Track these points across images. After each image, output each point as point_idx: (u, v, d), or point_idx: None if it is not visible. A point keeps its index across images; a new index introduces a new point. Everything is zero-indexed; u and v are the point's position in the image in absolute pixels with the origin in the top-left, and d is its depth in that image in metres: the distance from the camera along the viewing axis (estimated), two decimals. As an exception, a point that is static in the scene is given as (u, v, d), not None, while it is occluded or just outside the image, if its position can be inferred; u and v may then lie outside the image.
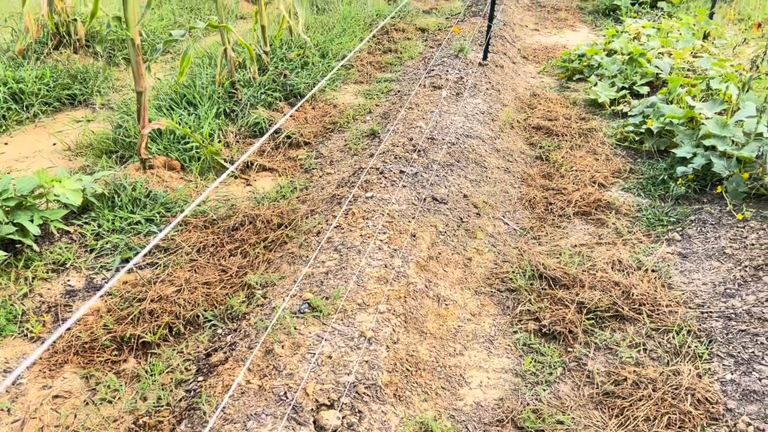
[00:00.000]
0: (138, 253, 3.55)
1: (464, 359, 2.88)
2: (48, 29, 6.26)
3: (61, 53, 6.23)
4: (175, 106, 5.02)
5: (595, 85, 6.00)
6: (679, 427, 2.47)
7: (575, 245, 3.75)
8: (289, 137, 4.96)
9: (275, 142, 4.90)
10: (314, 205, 3.96)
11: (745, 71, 4.14)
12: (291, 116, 5.30)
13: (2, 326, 2.93)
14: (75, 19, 6.41)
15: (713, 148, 4.19)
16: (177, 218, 2.93)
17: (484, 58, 6.40)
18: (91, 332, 2.92)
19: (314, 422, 2.32)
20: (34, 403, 2.57)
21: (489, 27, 6.36)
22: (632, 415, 2.54)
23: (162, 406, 2.55)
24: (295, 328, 2.73)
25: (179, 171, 4.38)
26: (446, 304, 3.15)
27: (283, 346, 2.64)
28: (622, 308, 3.14)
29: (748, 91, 4.08)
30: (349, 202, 3.73)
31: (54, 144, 4.88)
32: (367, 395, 2.47)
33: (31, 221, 3.39)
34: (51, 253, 3.44)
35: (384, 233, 3.45)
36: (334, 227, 3.52)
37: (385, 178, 4.05)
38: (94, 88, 5.75)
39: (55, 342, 2.88)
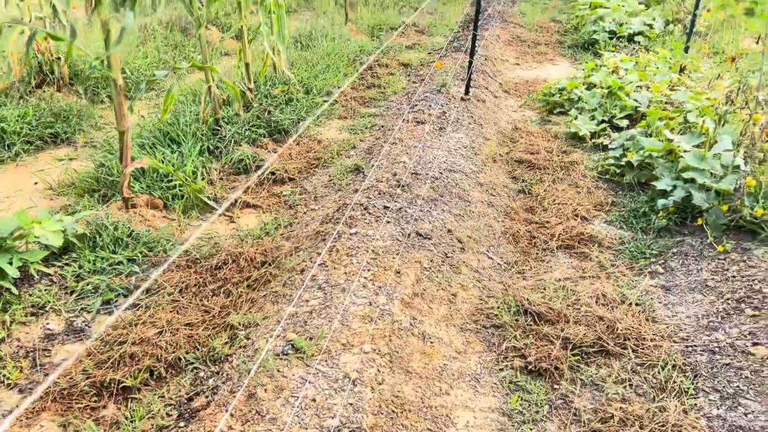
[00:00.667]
0: (119, 294, 3.50)
1: (450, 399, 2.85)
2: (32, 68, 6.27)
3: (44, 91, 6.23)
4: (158, 144, 5.01)
5: (576, 118, 6.09)
6: (667, 466, 2.45)
7: (559, 279, 3.75)
8: (273, 173, 4.96)
9: (259, 178, 4.90)
10: (298, 242, 3.95)
11: (721, 105, 4.22)
12: (275, 152, 5.31)
13: (-22, 373, 2.87)
14: (59, 58, 6.43)
15: (692, 180, 4.25)
16: (165, 263, 2.90)
17: (466, 92, 6.49)
18: (69, 378, 2.86)
19: (298, 469, 2.28)
20: (10, 454, 2.50)
21: (470, 62, 6.46)
22: (620, 454, 2.52)
23: (142, 454, 2.49)
24: (278, 371, 2.70)
25: (162, 209, 4.35)
26: (431, 342, 3.13)
27: (266, 390, 2.60)
28: (607, 343, 3.14)
29: (724, 124, 4.16)
30: (334, 239, 3.73)
31: (35, 183, 4.85)
32: (352, 439, 2.43)
33: (10, 263, 3.35)
34: (30, 296, 3.39)
35: (368, 270, 3.44)
36: (318, 265, 3.50)
37: (370, 213, 4.06)
38: (76, 127, 5.73)
39: (33, 389, 2.82)
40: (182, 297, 3.47)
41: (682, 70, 7.00)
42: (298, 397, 2.56)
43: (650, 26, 9.27)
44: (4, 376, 2.88)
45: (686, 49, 7.54)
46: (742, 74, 4.63)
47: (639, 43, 8.92)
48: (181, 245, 3.97)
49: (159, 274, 3.18)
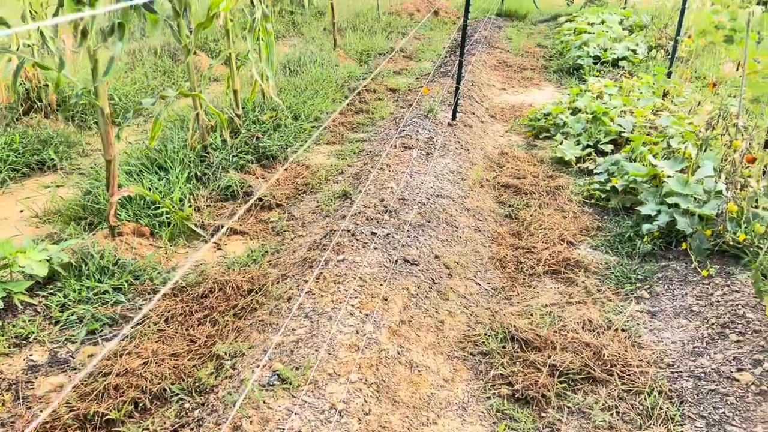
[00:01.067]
0: (105, 324, 3.48)
1: (438, 428, 2.84)
2: (19, 95, 6.27)
3: (31, 118, 6.23)
4: (145, 171, 5.01)
5: (561, 143, 6.16)
6: (654, 495, 2.45)
7: (546, 305, 3.77)
8: (261, 199, 4.97)
9: (247, 204, 4.90)
10: (285, 270, 3.95)
11: (703, 131, 4.29)
12: (263, 178, 5.32)
13: (-41, 407, 2.83)
14: (46, 85, 6.44)
15: (676, 205, 4.30)
16: (154, 296, 2.89)
17: (453, 118, 6.55)
18: (53, 411, 2.82)
19: (283, 503, 2.25)
20: (-10, 490, 2.46)
21: (457, 88, 6.53)
22: (607, 483, 2.51)
23: (125, 489, 2.46)
24: (264, 402, 2.68)
25: (149, 237, 4.34)
26: (419, 371, 3.12)
27: (251, 422, 2.58)
28: (594, 370, 3.14)
29: (705, 150, 4.22)
30: (321, 266, 3.73)
31: (21, 211, 4.82)
32: (338, 471, 2.41)
33: (-6, 294, 3.32)
34: (13, 326, 3.36)
35: (355, 298, 3.44)
36: (305, 293, 3.50)
37: (357, 240, 4.06)
38: (63, 154, 5.72)
39: (15, 423, 2.78)
40: (168, 326, 3.45)
41: (665, 94, 7.12)
42: (284, 429, 2.54)
43: (634, 51, 9.43)
44: (-15, 409, 2.85)
45: (669, 74, 7.67)
46: (722, 100, 4.71)
47: (623, 68, 9.06)
48: (168, 273, 3.95)
49: (147, 310, 3.16)
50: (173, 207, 4.41)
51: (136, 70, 8.13)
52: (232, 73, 5.85)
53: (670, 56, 7.87)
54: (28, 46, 6.26)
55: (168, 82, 7.86)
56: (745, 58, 4.08)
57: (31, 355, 3.22)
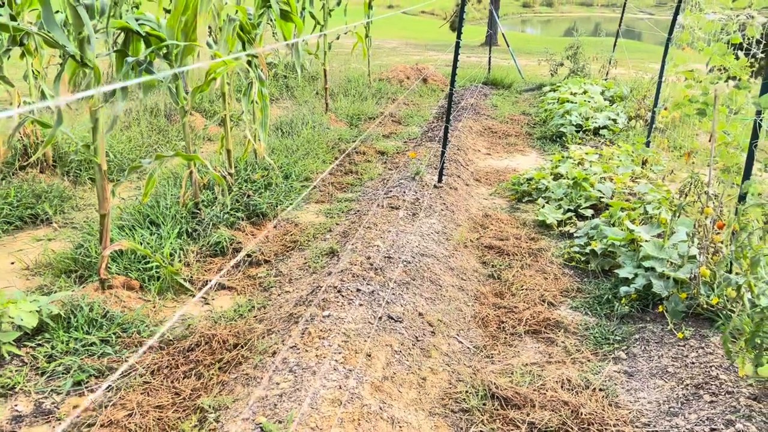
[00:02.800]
0: (91, 375, 3.51)
1: (417, 484, 2.87)
2: (16, 150, 6.43)
3: (27, 173, 6.36)
4: (138, 226, 5.12)
5: (543, 207, 6.36)
6: None
7: (526, 364, 3.85)
8: (249, 256, 5.08)
9: (235, 260, 5.01)
10: (271, 325, 4.02)
11: (676, 198, 4.50)
12: (252, 234, 5.45)
13: (-59, 456, 2.83)
14: (43, 141, 6.61)
15: (652, 269, 4.45)
16: (141, 348, 2.97)
17: (439, 180, 6.76)
18: (35, 461, 2.84)
19: None
20: None
21: (443, 152, 6.77)
22: None
23: None
24: (246, 454, 2.72)
25: (138, 290, 4.41)
26: (400, 426, 3.17)
27: (233, 473, 2.61)
28: (572, 428, 3.21)
29: (679, 216, 4.41)
30: (306, 321, 3.81)
31: (12, 263, 4.89)
32: None
33: (-18, 344, 3.36)
34: (0, 377, 3.39)
35: (339, 353, 3.51)
36: (290, 347, 3.57)
37: (343, 296, 4.16)
38: (57, 208, 5.84)
39: (-4, 472, 2.79)
40: (153, 378, 3.49)
41: (644, 163, 7.40)
42: (265, 481, 2.57)
43: (614, 121, 9.82)
44: (-33, 459, 2.85)
45: (647, 144, 7.99)
46: (693, 169, 4.95)
47: (604, 136, 9.41)
48: (155, 326, 4.01)
49: (133, 361, 3.22)
50: (163, 262, 4.51)
51: (131, 128, 8.35)
52: (226, 133, 6.05)
53: (648, 126, 8.21)
54: (27, 102, 6.47)
55: (163, 140, 8.07)
56: (712, 130, 4.32)
57: (16, 405, 3.24)
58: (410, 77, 13.65)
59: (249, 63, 6.21)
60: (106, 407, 3.21)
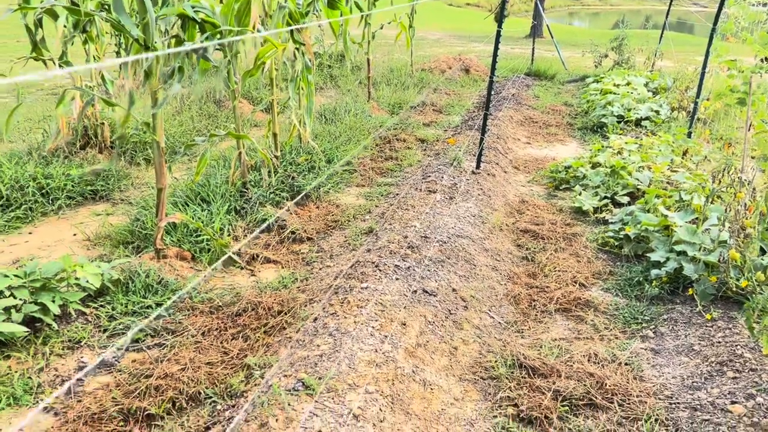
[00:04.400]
0: (148, 334, 3.82)
1: (446, 439, 3.08)
2: (77, 131, 6.84)
3: (87, 153, 6.77)
4: (189, 203, 5.45)
5: (580, 194, 6.45)
6: (643, 506, 2.64)
7: (555, 339, 4.01)
8: (293, 233, 5.34)
9: (280, 237, 5.28)
10: (313, 295, 4.27)
11: (709, 184, 4.56)
12: (296, 214, 5.71)
13: (19, 396, 3.17)
14: (102, 123, 7.02)
15: (684, 253, 4.54)
16: (171, 299, 3.24)
17: (477, 167, 6.91)
18: (100, 404, 3.15)
19: (302, 489, 2.52)
20: (44, 467, 2.77)
21: (481, 139, 6.92)
22: (600, 495, 2.71)
23: (162, 473, 2.74)
24: (288, 404, 2.97)
25: (190, 261, 4.72)
26: (431, 389, 3.38)
27: (277, 420, 2.86)
28: (596, 397, 3.36)
29: (712, 201, 4.48)
30: (345, 291, 4.04)
31: (75, 234, 5.27)
32: (353, 466, 2.67)
33: (53, 302, 3.70)
34: (68, 331, 3.73)
35: (376, 321, 3.74)
36: (330, 314, 3.81)
37: (380, 271, 4.38)
38: (115, 185, 6.22)
39: (67, 413, 3.11)
40: (204, 339, 3.78)
41: (684, 153, 7.39)
42: (305, 428, 2.82)
43: (657, 112, 9.76)
44: (41, 400, 3.18)
45: (689, 135, 7.97)
46: (727, 156, 4.99)
47: (645, 127, 9.38)
48: (206, 294, 4.31)
49: (172, 302, 3.49)
50: (213, 235, 4.80)
51: (183, 114, 8.73)
52: (273, 117, 6.33)
53: (690, 117, 8.18)
54: (89, 86, 6.87)
55: (213, 125, 8.43)
56: (747, 118, 4.37)
57: (82, 357, 3.57)
58: (452, 67, 13.76)
59: (296, 50, 6.46)
60: (161, 362, 3.51)
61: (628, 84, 11.36)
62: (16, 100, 4.55)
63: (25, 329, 3.51)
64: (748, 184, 4.18)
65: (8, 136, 7.30)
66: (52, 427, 3.02)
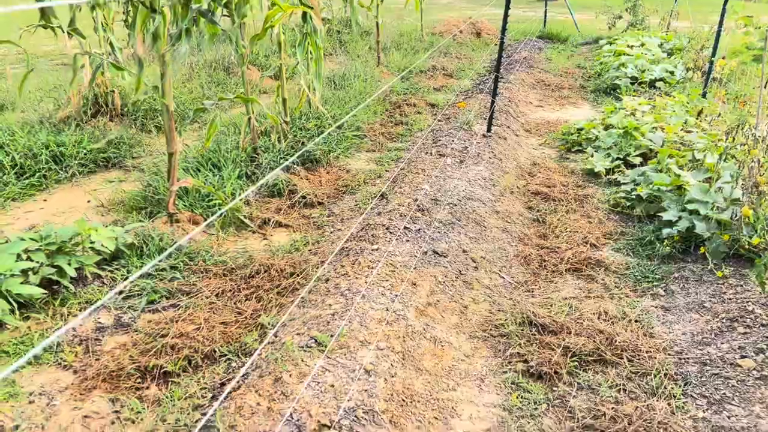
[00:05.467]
0: (162, 296, 3.89)
1: (456, 394, 3.13)
2: (88, 100, 6.86)
3: (98, 121, 6.80)
4: (201, 168, 5.47)
5: (592, 156, 6.40)
6: (651, 456, 2.69)
7: (565, 298, 4.03)
8: (304, 197, 5.36)
9: (291, 201, 5.31)
10: (324, 257, 4.31)
11: (722, 141, 4.51)
12: (307, 179, 5.73)
13: (40, 355, 3.25)
14: (112, 91, 7.02)
15: (696, 212, 4.51)
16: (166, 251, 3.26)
17: (488, 130, 6.87)
18: (118, 362, 3.22)
19: (316, 440, 2.58)
20: (66, 422, 2.86)
21: (492, 102, 6.85)
22: (608, 445, 2.76)
23: (180, 427, 2.82)
24: (302, 360, 3.02)
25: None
26: (442, 345, 3.42)
27: (290, 375, 2.92)
28: (605, 353, 3.39)
29: (726, 159, 4.43)
30: (356, 253, 4.07)
31: (88, 201, 5.32)
32: (365, 419, 2.73)
33: (69, 264, 3.77)
34: (84, 293, 3.80)
35: (387, 281, 3.77)
36: (342, 275, 3.85)
37: (391, 233, 4.41)
38: (127, 153, 6.26)
39: (86, 370, 3.18)
40: (218, 300, 3.84)
41: (699, 114, 7.29)
42: (318, 383, 2.87)
43: (671, 73, 9.60)
44: (61, 358, 3.26)
45: (704, 95, 7.84)
46: (742, 113, 4.92)
47: (659, 89, 9.24)
48: (219, 257, 4.36)
49: (167, 253, 3.54)
50: (225, 199, 4.84)
51: (192, 81, 8.72)
52: (282, 82, 6.30)
53: (705, 77, 8.04)
54: (98, 54, 6.86)
55: (222, 92, 8.40)
56: (763, 75, 4.29)
57: (99, 318, 3.65)
58: (463, 32, 13.56)
59: (304, 15, 6.40)
60: (176, 322, 3.57)
61: (642, 45, 11.16)
62: (27, 70, 4.55)
63: (43, 291, 3.58)
64: (763, 140, 4.12)
65: (21, 103, 7.35)
66: (72, 384, 3.10)
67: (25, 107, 7.33)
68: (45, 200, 5.36)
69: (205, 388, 3.09)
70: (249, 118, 5.69)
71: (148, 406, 2.97)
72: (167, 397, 3.01)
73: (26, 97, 7.63)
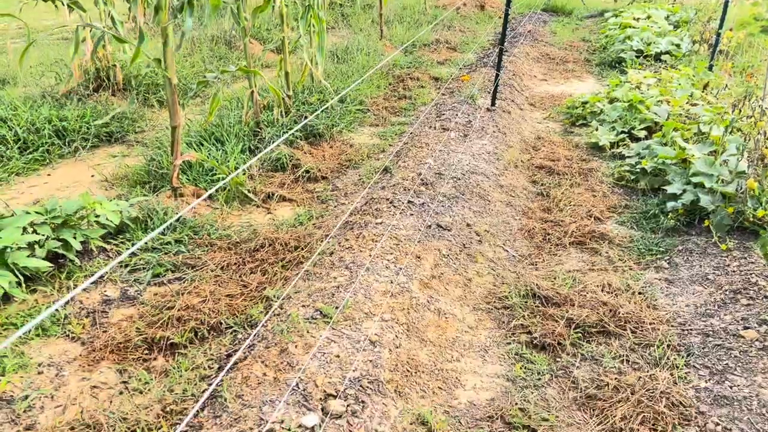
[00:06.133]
0: (168, 269, 3.90)
1: (460, 365, 3.16)
2: (90, 74, 6.82)
3: (100, 95, 6.76)
4: (204, 143, 5.46)
5: (597, 129, 6.36)
6: (653, 425, 2.72)
7: (569, 271, 4.04)
8: (308, 172, 5.36)
9: (295, 176, 5.30)
10: (328, 231, 4.31)
11: (728, 114, 4.48)
12: (310, 153, 5.71)
13: (47, 327, 3.28)
14: (114, 65, 6.98)
15: (701, 185, 4.50)
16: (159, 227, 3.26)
17: (492, 104, 6.82)
18: (125, 334, 3.25)
19: (322, 409, 2.61)
20: (75, 392, 2.89)
21: (497, 75, 6.80)
22: (611, 414, 2.79)
23: (188, 397, 2.86)
24: (307, 332, 3.05)
25: (206, 199, 4.77)
26: (446, 317, 3.44)
27: (296, 346, 2.95)
28: (608, 324, 3.41)
29: (731, 132, 4.41)
30: (360, 226, 4.08)
31: (92, 176, 5.32)
32: (370, 389, 2.76)
33: (74, 238, 3.78)
34: (90, 266, 3.82)
35: (391, 254, 3.78)
36: (346, 248, 3.86)
37: (395, 207, 4.41)
38: (129, 127, 6.24)
39: (93, 342, 3.22)
40: (223, 273, 3.86)
41: (705, 87, 7.22)
42: (324, 353, 2.90)
43: (677, 46, 9.50)
44: (69, 330, 3.29)
45: (710, 67, 7.77)
46: (748, 85, 4.87)
47: (665, 62, 9.14)
48: (223, 230, 4.37)
49: (165, 226, 3.55)
50: (229, 173, 4.83)
51: (194, 55, 8.65)
52: (284, 56, 6.25)
53: (712, 50, 7.95)
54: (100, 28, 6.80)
55: (224, 66, 8.34)
56: (772, 43, 4.23)
57: (105, 291, 3.67)
58: (467, 4, 13.41)
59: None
60: (182, 294, 3.60)
61: (648, 18, 11.02)
62: (28, 43, 4.52)
63: (49, 264, 3.60)
64: (769, 112, 4.09)
65: (22, 77, 7.31)
66: (80, 355, 3.13)
67: (27, 82, 7.29)
68: (49, 175, 5.36)
69: (211, 359, 3.12)
70: (251, 92, 5.66)
71: (155, 377, 3.00)
72: (174, 368, 3.04)
73: (27, 72, 7.59)
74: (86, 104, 6.51)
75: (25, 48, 4.34)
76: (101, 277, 3.78)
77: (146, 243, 4.10)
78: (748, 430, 2.65)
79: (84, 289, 3.66)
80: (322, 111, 6.57)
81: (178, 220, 4.34)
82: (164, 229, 4.27)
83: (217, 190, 4.87)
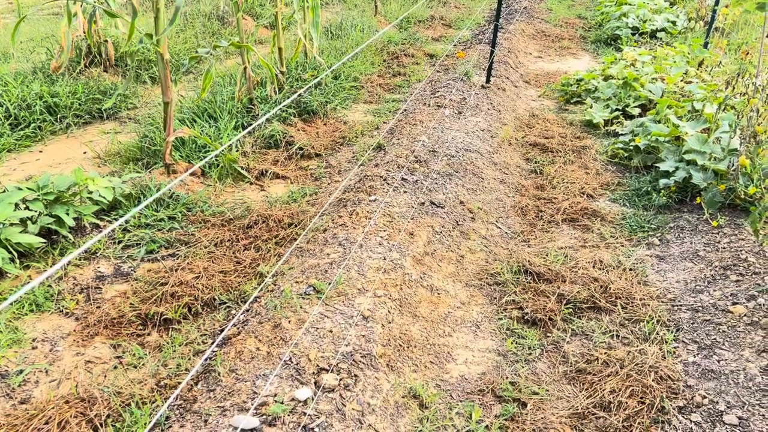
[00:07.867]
0: (161, 245, 3.91)
1: (452, 340, 3.19)
2: (81, 50, 6.75)
3: (92, 71, 6.71)
4: (197, 119, 5.43)
5: (591, 107, 6.35)
6: (641, 398, 2.76)
7: (561, 247, 4.06)
8: (301, 149, 5.34)
9: (288, 153, 5.29)
10: (322, 208, 4.32)
11: (722, 91, 4.47)
12: (304, 130, 5.69)
13: (41, 303, 3.29)
14: (106, 41, 6.90)
15: (694, 162, 4.51)
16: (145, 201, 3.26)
17: (487, 81, 6.79)
18: (119, 310, 3.27)
19: (315, 383, 2.64)
20: (69, 366, 2.91)
21: (492, 52, 6.76)
22: (600, 388, 2.83)
23: (181, 371, 2.88)
24: (300, 307, 3.07)
25: (200, 176, 4.76)
26: (438, 294, 3.47)
27: (289, 321, 2.97)
28: (599, 300, 3.44)
29: (724, 109, 4.41)
30: (354, 203, 4.08)
31: (84, 152, 5.30)
32: (363, 363, 2.79)
33: (67, 214, 3.78)
34: (83, 242, 3.82)
35: (384, 231, 3.79)
36: (339, 225, 3.87)
37: (388, 184, 4.41)
38: (122, 104, 6.19)
39: (87, 317, 3.23)
40: (217, 249, 3.87)
41: (700, 64, 7.20)
42: (317, 328, 2.92)
43: (673, 23, 9.44)
44: (63, 306, 3.31)
45: (706, 45, 7.74)
46: (742, 62, 4.86)
47: (661, 39, 9.10)
48: (217, 207, 4.37)
49: (151, 201, 3.55)
50: (222, 150, 4.81)
51: (186, 31, 8.56)
52: (278, 31, 6.20)
53: (707, 27, 7.92)
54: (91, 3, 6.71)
55: (216, 41, 8.26)
56: (765, 23, 4.23)
57: (98, 267, 3.68)
58: (462, -20, 13.25)
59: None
60: (176, 271, 3.61)
61: (644, -6, 10.92)
62: (18, 18, 4.47)
63: (42, 240, 3.60)
64: (762, 90, 4.09)
65: (13, 53, 7.23)
66: (74, 330, 3.15)
67: (18, 57, 7.21)
68: (41, 151, 5.33)
69: (205, 334, 3.14)
70: (244, 68, 5.62)
71: (149, 352, 3.02)
72: (168, 343, 3.06)
73: (18, 48, 7.51)
74: (78, 80, 6.46)
75: (16, 24, 4.28)
76: (94, 253, 3.78)
77: (139, 220, 4.10)
78: (734, 403, 2.69)
79: (77, 265, 3.66)
80: (315, 87, 6.53)
81: (171, 197, 4.34)
82: (158, 206, 4.27)
83: (210, 167, 4.87)
